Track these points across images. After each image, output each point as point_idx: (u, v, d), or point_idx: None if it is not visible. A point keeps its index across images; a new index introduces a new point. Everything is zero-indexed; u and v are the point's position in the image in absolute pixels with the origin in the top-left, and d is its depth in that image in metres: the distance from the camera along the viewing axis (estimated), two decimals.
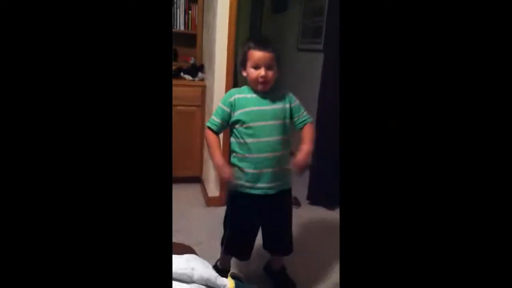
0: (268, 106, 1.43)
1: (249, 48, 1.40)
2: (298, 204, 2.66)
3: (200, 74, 2.79)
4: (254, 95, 1.44)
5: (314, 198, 2.71)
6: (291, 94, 1.52)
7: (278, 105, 1.45)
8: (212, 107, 2.44)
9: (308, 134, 1.50)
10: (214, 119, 1.47)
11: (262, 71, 1.37)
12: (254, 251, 1.66)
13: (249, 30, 4.79)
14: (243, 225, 1.56)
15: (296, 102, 1.51)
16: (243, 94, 1.45)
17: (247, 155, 1.43)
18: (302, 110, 1.52)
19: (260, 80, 1.38)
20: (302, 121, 1.51)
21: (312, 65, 3.18)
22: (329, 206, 2.64)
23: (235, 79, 2.46)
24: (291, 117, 1.49)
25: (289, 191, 1.57)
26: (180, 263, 1.00)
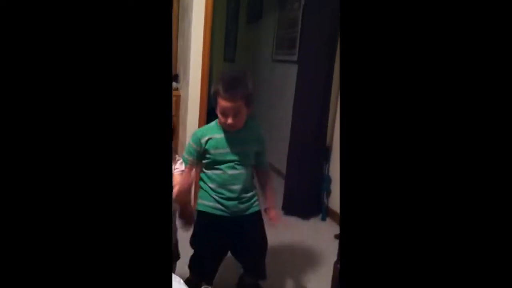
0: (237, 148, 1.43)
1: (217, 93, 1.35)
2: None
3: (174, 84, 2.76)
4: (223, 135, 1.43)
5: (289, 208, 2.71)
6: (263, 135, 1.53)
7: (247, 147, 1.46)
8: (186, 117, 2.42)
9: (268, 185, 1.59)
10: (187, 158, 1.45)
11: (229, 120, 1.35)
12: (227, 265, 1.64)
13: (224, 40, 4.80)
14: (206, 246, 1.54)
15: (263, 145, 1.53)
16: (213, 134, 1.44)
17: (212, 185, 1.46)
18: (264, 153, 1.55)
19: (228, 126, 1.38)
20: (261, 165, 1.56)
21: (287, 76, 3.21)
22: (304, 216, 2.65)
23: (210, 89, 2.45)
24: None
25: (257, 213, 1.56)
26: None
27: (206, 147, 1.42)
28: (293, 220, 2.62)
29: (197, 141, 1.44)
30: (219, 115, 1.38)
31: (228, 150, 1.43)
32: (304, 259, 2.10)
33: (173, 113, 2.69)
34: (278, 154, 2.92)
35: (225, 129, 1.41)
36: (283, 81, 3.30)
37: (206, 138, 1.43)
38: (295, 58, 3.06)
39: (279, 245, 2.22)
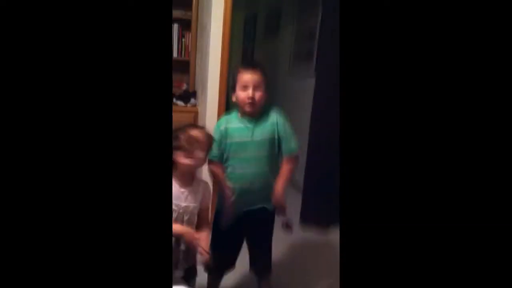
0: (254, 137, 1.43)
1: (238, 72, 1.43)
2: (290, 228, 2.60)
3: (192, 100, 2.81)
4: (241, 125, 1.44)
5: (307, 218, 2.69)
6: (280, 120, 1.48)
7: (265, 135, 1.44)
8: None
9: (284, 169, 1.48)
10: (212, 150, 1.43)
11: (249, 92, 1.38)
12: (245, 283, 1.63)
13: (242, 56, 4.86)
14: (223, 242, 1.56)
15: (283, 128, 1.47)
16: (231, 123, 1.46)
17: (232, 181, 1.46)
18: (289, 137, 1.48)
19: (248, 101, 1.39)
20: (287, 152, 1.48)
21: (304, 90, 3.22)
22: (322, 226, 2.63)
23: (227, 106, 2.49)
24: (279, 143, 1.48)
25: (272, 212, 1.57)
26: None
27: (226, 135, 1.43)
28: (311, 230, 2.60)
29: (217, 130, 1.45)
30: (239, 93, 1.41)
31: (245, 139, 1.42)
32: (322, 268, 2.07)
33: None
34: (296, 168, 2.91)
35: (245, 108, 1.41)
36: (300, 94, 3.31)
37: (223, 127, 1.45)
38: (312, 72, 3.08)
39: (297, 255, 2.21)
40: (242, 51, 4.86)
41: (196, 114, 2.73)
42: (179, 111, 2.72)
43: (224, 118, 1.51)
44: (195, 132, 1.27)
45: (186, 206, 1.29)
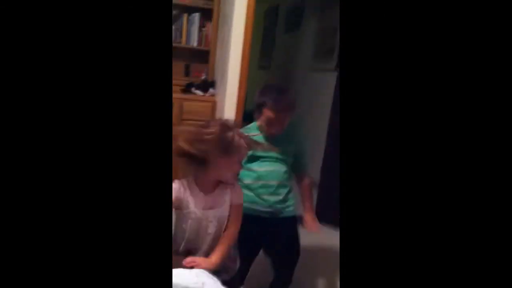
0: (273, 153, 1.42)
1: (264, 105, 1.35)
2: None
3: (211, 90, 2.80)
4: (262, 136, 1.42)
5: (321, 216, 2.65)
6: (302, 137, 1.55)
7: (286, 147, 1.45)
8: None
9: (307, 190, 1.56)
10: None
11: (274, 130, 1.37)
12: (261, 269, 1.64)
13: (260, 48, 4.82)
14: (240, 247, 1.50)
15: (302, 146, 1.52)
16: (251, 133, 1.41)
17: (248, 182, 1.45)
18: (304, 155, 1.53)
19: (271, 135, 1.39)
20: (300, 169, 1.54)
21: (325, 85, 3.17)
22: (336, 224, 2.59)
23: (246, 96, 2.46)
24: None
25: (293, 218, 1.54)
26: (190, 278, 0.98)
27: None
28: (327, 229, 2.57)
29: None
30: (264, 124, 1.39)
31: (264, 153, 1.42)
32: (334, 267, 2.05)
33: (208, 118, 2.71)
34: (313, 163, 2.88)
35: (267, 135, 1.42)
36: (321, 89, 3.27)
37: None
38: (333, 67, 3.03)
39: (312, 254, 2.18)
40: (261, 46, 4.82)
41: (214, 104, 2.71)
42: (198, 100, 2.71)
43: (243, 129, 1.46)
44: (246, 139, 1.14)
45: (214, 212, 1.17)
